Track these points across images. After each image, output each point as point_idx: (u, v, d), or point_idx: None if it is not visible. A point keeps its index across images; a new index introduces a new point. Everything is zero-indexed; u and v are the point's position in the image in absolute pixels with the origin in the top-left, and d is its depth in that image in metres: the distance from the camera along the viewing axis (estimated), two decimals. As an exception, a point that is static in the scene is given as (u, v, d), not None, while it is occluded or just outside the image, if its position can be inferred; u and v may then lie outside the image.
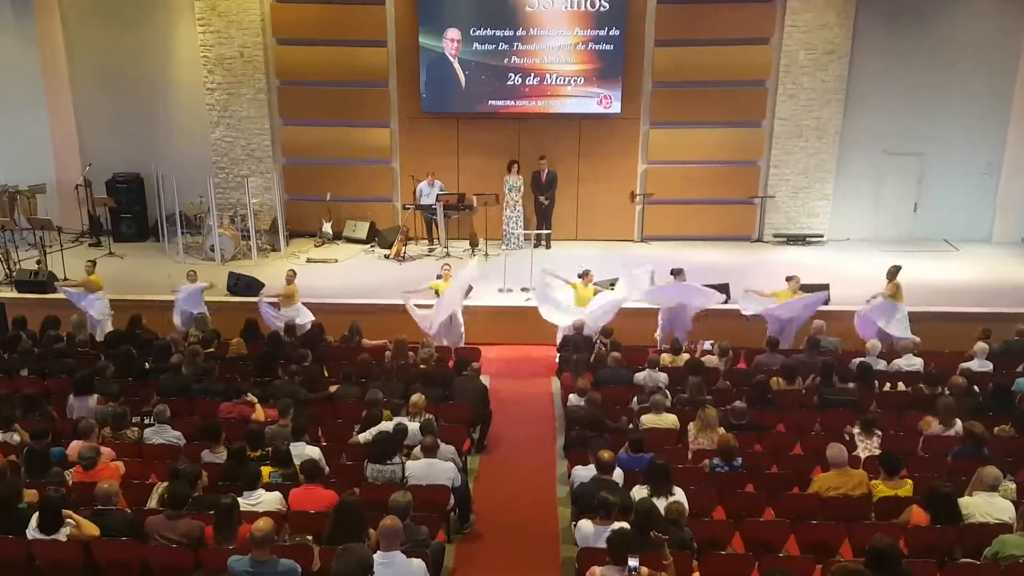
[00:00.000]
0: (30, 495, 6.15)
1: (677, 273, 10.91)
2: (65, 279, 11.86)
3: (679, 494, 6.27)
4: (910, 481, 6.62)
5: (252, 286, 12.08)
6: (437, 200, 14.20)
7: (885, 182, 15.02)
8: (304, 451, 6.96)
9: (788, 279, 10.79)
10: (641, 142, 14.97)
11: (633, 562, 5.09)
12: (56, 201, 15.17)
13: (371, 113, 15.04)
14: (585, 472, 6.77)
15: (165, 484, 6.39)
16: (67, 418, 8.07)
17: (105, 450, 6.93)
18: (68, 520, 5.79)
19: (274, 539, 5.41)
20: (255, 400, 8.12)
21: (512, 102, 14.67)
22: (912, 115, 14.62)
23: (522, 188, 14.55)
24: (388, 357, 9.63)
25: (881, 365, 9.33)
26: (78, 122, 15.32)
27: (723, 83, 14.53)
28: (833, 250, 14.58)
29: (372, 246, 14.91)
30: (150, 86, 15.10)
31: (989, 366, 9.22)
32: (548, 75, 14.53)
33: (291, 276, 11.08)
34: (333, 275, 13.30)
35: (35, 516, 5.82)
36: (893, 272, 10.65)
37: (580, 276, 10.96)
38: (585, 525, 5.93)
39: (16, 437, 7.33)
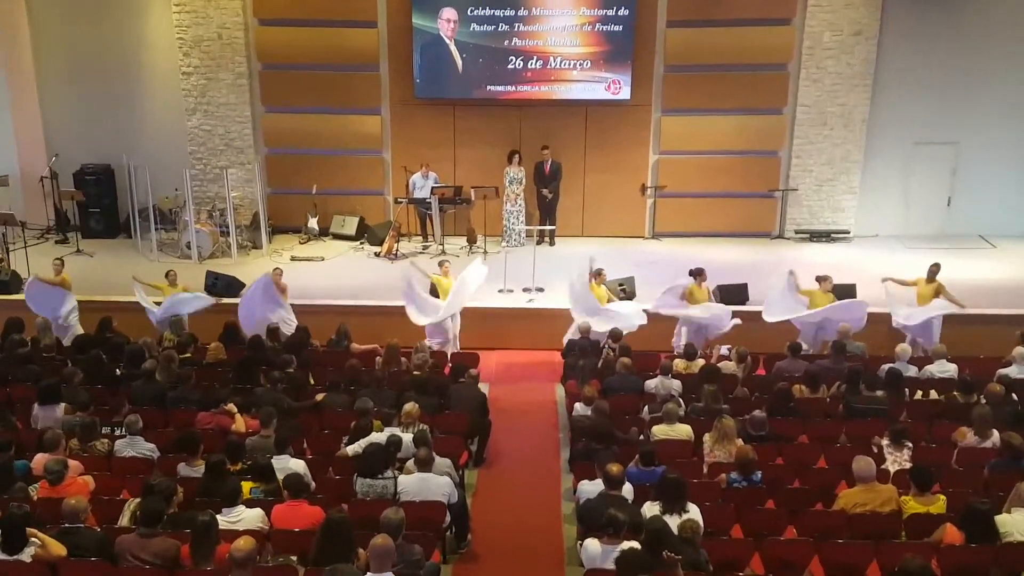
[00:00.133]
0: (-8, 512, 6.15)
1: (697, 274, 10.90)
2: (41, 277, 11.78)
3: (693, 511, 6.27)
4: (943, 497, 6.62)
5: (232, 286, 12.09)
6: (432, 193, 14.21)
7: (916, 174, 15.03)
8: (288, 464, 6.96)
9: (820, 279, 10.76)
10: (652, 131, 14.99)
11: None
12: (19, 194, 15.19)
13: (360, 99, 15.06)
14: (592, 487, 6.76)
15: (138, 500, 6.38)
16: (31, 429, 8.06)
17: (73, 463, 6.92)
18: (33, 539, 5.78)
19: (255, 560, 5.41)
20: (235, 409, 8.11)
21: (513, 87, 14.68)
22: (945, 101, 14.63)
23: (524, 180, 14.56)
24: (379, 363, 9.63)
25: (912, 371, 9.33)
26: (43, 109, 15.34)
27: (741, 67, 14.53)
28: (860, 247, 14.59)
29: (361, 243, 14.92)
30: (121, 70, 15.11)
31: (1029, 372, 9.22)
32: (552, 58, 14.54)
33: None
34: (319, 274, 13.31)
35: (-3, 535, 5.82)
36: (933, 272, 10.63)
37: (592, 275, 10.95)
38: (592, 545, 5.92)
39: (-24, 449, 7.32)
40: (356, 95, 15.02)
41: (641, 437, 8.03)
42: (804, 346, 10.37)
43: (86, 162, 15.22)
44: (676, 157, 15.05)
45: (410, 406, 7.80)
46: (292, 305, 11.10)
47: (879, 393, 8.61)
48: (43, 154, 15.22)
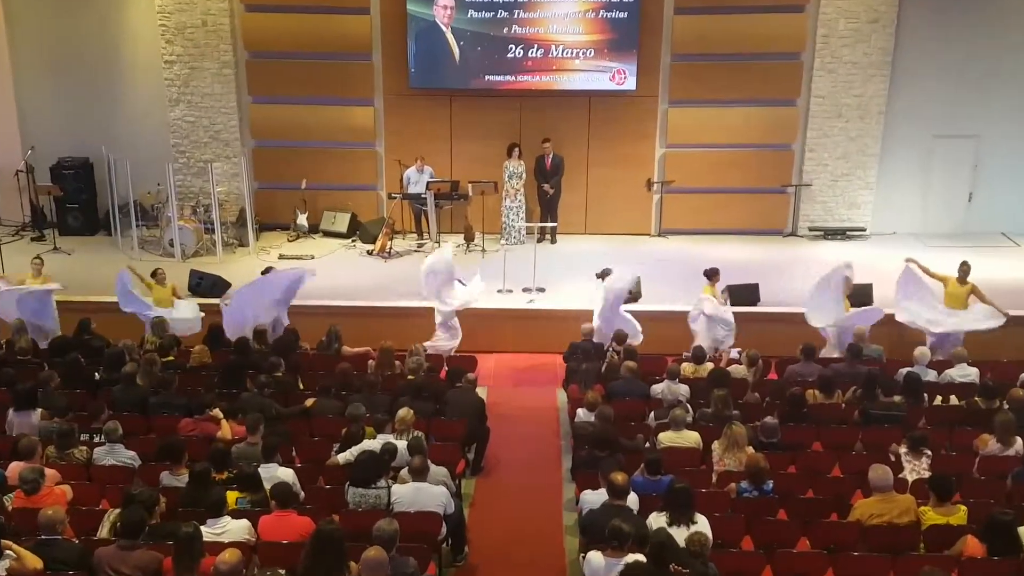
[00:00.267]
0: (-36, 523, 6.15)
1: (712, 275, 10.88)
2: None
3: (702, 522, 6.29)
4: (964, 507, 6.63)
5: (217, 286, 12.09)
6: (427, 188, 14.22)
7: (936, 168, 15.04)
8: (276, 473, 6.96)
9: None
10: (659, 123, 14.99)
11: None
12: (-7, 189, 15.20)
13: (352, 89, 15.06)
14: (595, 497, 6.77)
15: (118, 511, 6.39)
16: (6, 435, 8.05)
17: (50, 472, 6.93)
18: (7, 552, 5.77)
19: (242, 573, 5.42)
20: (220, 415, 8.12)
21: (513, 77, 14.69)
22: (967, 92, 14.63)
23: (524, 175, 14.56)
24: (371, 366, 9.64)
25: (931, 376, 9.35)
26: (18, 99, 15.32)
27: (752, 56, 14.54)
28: (877, 246, 14.58)
29: (353, 241, 14.93)
30: (101, 58, 15.10)
31: (1054, 376, 9.23)
32: (554, 47, 14.55)
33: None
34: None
35: (-31, 547, 5.82)
36: (965, 272, 10.57)
37: (599, 276, 10.95)
38: (595, 558, 5.93)
39: (-52, 457, 7.34)
40: (348, 85, 15.02)
41: (647, 444, 8.04)
42: (837, 352, 10.32)
43: (64, 155, 15.20)
44: (684, 151, 15.05)
45: (404, 412, 7.81)
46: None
47: (897, 398, 8.63)
48: (18, 147, 15.20)
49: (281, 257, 13.90)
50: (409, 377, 9.19)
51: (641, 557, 5.69)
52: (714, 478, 7.48)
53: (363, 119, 15.20)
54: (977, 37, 14.44)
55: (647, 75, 14.66)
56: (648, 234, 15.33)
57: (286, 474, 7.00)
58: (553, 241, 14.81)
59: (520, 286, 12.47)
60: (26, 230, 15.13)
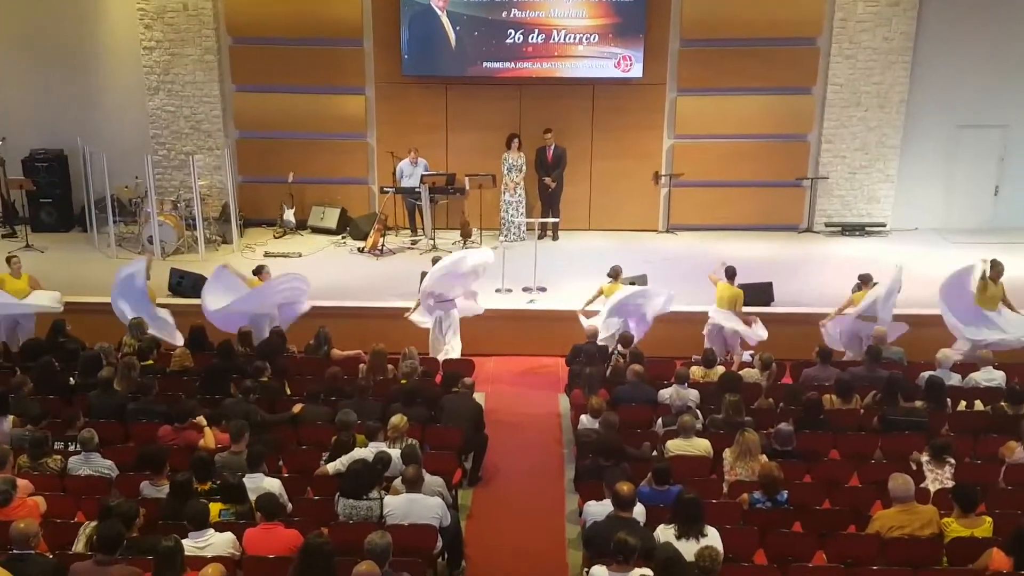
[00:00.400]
0: (-68, 537, 6.16)
1: (731, 275, 10.87)
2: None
3: (712, 535, 6.29)
4: (989, 519, 6.63)
5: (199, 285, 12.08)
6: (421, 182, 14.23)
7: (960, 160, 15.07)
8: (262, 483, 6.97)
9: (864, 280, 10.69)
10: (667, 112, 15.01)
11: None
12: (-38, 183, 15.21)
13: (342, 77, 15.08)
14: (599, 508, 6.79)
15: (94, 523, 6.39)
16: (-24, 444, 8.07)
17: (22, 482, 6.93)
18: (-22, 567, 5.80)
19: (226, 589, 5.43)
20: (204, 422, 8.13)
21: (512, 64, 14.70)
22: (993, 79, 14.66)
23: (524, 168, 14.58)
24: (363, 371, 9.65)
25: (955, 380, 9.34)
26: (-11, 88, 15.36)
27: (766, 41, 14.55)
28: (898, 242, 14.61)
29: (343, 237, 14.95)
30: (76, 45, 15.11)
31: (1086, 381, 9.24)
32: (555, 32, 14.56)
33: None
34: (296, 272, 13.28)
35: (-62, 562, 5.83)
36: (999, 271, 10.52)
37: (609, 276, 10.96)
38: (599, 572, 5.93)
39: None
40: (337, 73, 15.03)
41: (654, 453, 8.05)
42: (850, 353, 10.31)
43: (36, 147, 15.23)
44: (693, 142, 15.08)
45: (397, 419, 7.82)
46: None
47: (918, 404, 8.63)
48: (-12, 138, 15.25)
49: (267, 255, 13.91)
50: (402, 382, 9.20)
51: (648, 572, 5.70)
52: (725, 488, 7.48)
53: (354, 109, 15.21)
54: (1005, 21, 14.46)
55: (654, 62, 14.67)
56: (655, 230, 15.35)
57: (272, 484, 7.00)
58: (555, 238, 14.83)
59: (520, 285, 12.48)
60: (-3, 227, 15.16)
